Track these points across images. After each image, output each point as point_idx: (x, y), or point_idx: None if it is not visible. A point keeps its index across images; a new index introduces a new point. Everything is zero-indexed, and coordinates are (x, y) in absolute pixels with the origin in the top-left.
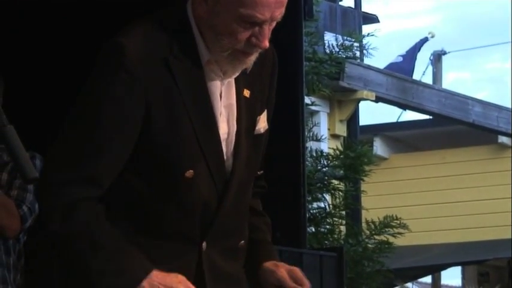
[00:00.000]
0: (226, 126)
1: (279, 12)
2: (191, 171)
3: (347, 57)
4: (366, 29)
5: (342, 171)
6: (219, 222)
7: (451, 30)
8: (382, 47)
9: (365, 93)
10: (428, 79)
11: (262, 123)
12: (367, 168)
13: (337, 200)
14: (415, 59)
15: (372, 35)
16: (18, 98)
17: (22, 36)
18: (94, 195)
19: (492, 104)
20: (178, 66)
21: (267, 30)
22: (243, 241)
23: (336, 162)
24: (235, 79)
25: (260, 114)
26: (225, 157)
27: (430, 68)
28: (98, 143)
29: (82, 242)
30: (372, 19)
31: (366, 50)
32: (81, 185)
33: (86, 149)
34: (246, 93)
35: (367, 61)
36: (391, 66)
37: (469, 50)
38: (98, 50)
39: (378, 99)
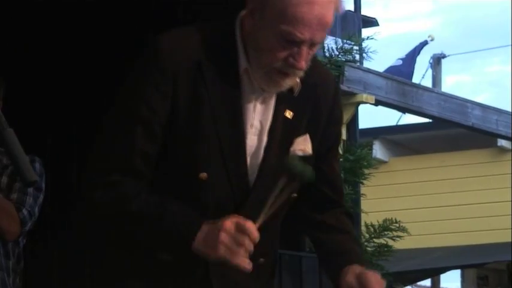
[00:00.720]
0: (256, 139)
1: (320, 36)
2: (205, 173)
3: (346, 61)
4: (365, 32)
5: (341, 175)
6: None
7: (450, 33)
8: (381, 50)
9: (364, 96)
10: (427, 82)
11: (300, 146)
12: (366, 171)
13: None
14: (415, 62)
15: (371, 39)
16: (19, 101)
17: (22, 38)
18: (133, 178)
19: (492, 107)
20: (211, 70)
21: (306, 51)
22: (262, 259)
23: None
24: (278, 98)
25: (299, 136)
26: (248, 169)
27: (430, 71)
28: (126, 139)
29: (128, 214)
30: (371, 22)
31: (365, 53)
32: (115, 175)
33: (116, 143)
34: (289, 114)
35: (366, 64)
36: (391, 70)
37: (468, 53)
38: (98, 51)
39: (377, 103)
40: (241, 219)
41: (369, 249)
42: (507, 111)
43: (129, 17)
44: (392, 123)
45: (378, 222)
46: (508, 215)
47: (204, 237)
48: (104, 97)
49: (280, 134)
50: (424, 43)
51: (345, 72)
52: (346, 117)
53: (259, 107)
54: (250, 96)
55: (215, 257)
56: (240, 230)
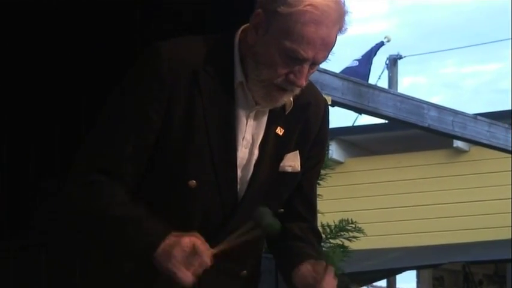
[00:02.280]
0: (247, 152)
1: (322, 56)
2: (194, 181)
3: None
4: None
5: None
6: (218, 241)
7: (406, 35)
8: (337, 51)
9: None
10: (384, 83)
11: (290, 162)
12: (322, 172)
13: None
14: (371, 63)
15: None
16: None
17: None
18: (115, 182)
19: (448, 108)
20: (207, 81)
21: (307, 70)
22: (245, 271)
23: None
24: (270, 114)
25: (288, 152)
26: (238, 181)
27: (386, 72)
28: (118, 141)
29: (99, 212)
30: None
31: None
32: (102, 173)
33: (107, 144)
34: (280, 131)
35: (323, 65)
36: (347, 71)
37: (424, 54)
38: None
39: (333, 103)
40: (200, 241)
41: (325, 249)
42: (463, 113)
43: (115, 18)
44: (349, 124)
45: (334, 222)
46: (464, 215)
47: (163, 248)
48: (82, 98)
49: (271, 150)
50: (380, 44)
51: None
52: None
53: (251, 121)
54: (244, 109)
55: (164, 269)
56: (195, 251)
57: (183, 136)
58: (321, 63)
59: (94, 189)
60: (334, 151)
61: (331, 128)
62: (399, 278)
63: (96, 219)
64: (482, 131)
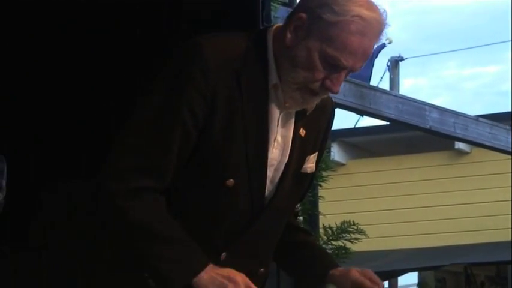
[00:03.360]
0: (278, 154)
1: (360, 65)
2: (232, 180)
3: None
4: None
5: None
6: (244, 240)
7: (408, 36)
8: None
9: None
10: (385, 85)
11: (310, 164)
12: (324, 173)
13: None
14: (373, 65)
15: None
16: None
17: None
18: (158, 187)
19: (449, 110)
20: (247, 81)
21: (343, 77)
22: (263, 269)
23: None
24: (295, 117)
25: (310, 154)
26: (268, 182)
27: (388, 74)
28: (164, 137)
29: (142, 229)
30: None
31: None
32: (147, 174)
33: (153, 140)
34: (302, 132)
35: None
36: None
37: (425, 56)
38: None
39: (335, 105)
40: (250, 282)
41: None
42: (464, 114)
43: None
44: (350, 125)
45: (336, 224)
46: (466, 217)
47: (210, 279)
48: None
49: (297, 151)
50: (382, 46)
51: None
52: None
53: (281, 122)
54: (276, 111)
55: None
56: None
57: (225, 136)
58: (356, 71)
59: (139, 197)
60: (335, 153)
61: (333, 130)
62: (401, 279)
63: (137, 230)
64: (483, 133)
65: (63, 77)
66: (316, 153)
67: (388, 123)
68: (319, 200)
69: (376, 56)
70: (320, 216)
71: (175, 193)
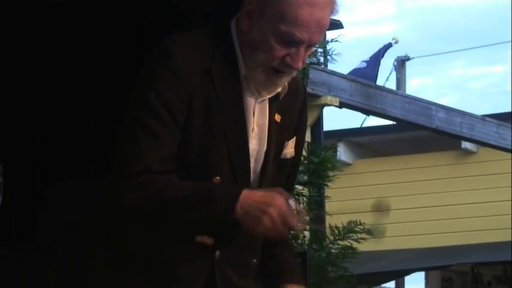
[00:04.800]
0: (257, 143)
1: (318, 38)
2: (218, 178)
3: (311, 63)
4: (329, 34)
5: (305, 177)
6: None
7: (414, 36)
8: (346, 52)
9: (329, 98)
10: (391, 85)
11: (289, 149)
12: (331, 173)
13: (301, 206)
14: (379, 64)
15: (335, 41)
16: None
17: None
18: (164, 169)
19: (456, 109)
20: (219, 76)
21: (303, 52)
22: (255, 260)
23: (300, 168)
24: (269, 103)
25: (288, 140)
26: (251, 173)
27: (394, 73)
28: (152, 139)
29: (176, 201)
30: (336, 25)
31: (329, 55)
32: (149, 172)
33: (143, 143)
34: (277, 118)
35: (331, 67)
36: (355, 72)
37: (432, 55)
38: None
39: (341, 105)
40: (288, 201)
41: (333, 251)
42: (471, 114)
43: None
44: (357, 125)
45: (343, 224)
46: (473, 217)
47: (250, 206)
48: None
49: (274, 138)
50: (388, 46)
51: (309, 74)
52: (311, 119)
53: (257, 112)
54: (250, 101)
55: (258, 229)
56: (291, 211)
57: (204, 133)
58: (316, 44)
59: (149, 188)
60: (342, 153)
61: (339, 130)
62: (407, 279)
63: (165, 210)
64: (490, 132)
65: (68, 77)
66: (295, 138)
67: (395, 122)
68: (326, 200)
69: (383, 56)
70: (326, 216)
71: None
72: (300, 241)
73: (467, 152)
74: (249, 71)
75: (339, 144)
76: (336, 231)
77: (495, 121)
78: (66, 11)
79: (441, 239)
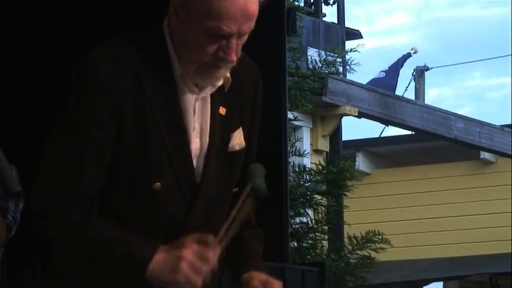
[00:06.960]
0: (199, 141)
1: (248, 27)
2: (158, 184)
3: (330, 73)
4: (348, 44)
5: (324, 186)
6: (186, 232)
7: (433, 46)
8: (364, 62)
9: (348, 108)
10: (410, 95)
11: (237, 141)
12: (349, 183)
13: (320, 215)
14: (398, 74)
15: (354, 51)
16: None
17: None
18: (85, 200)
19: (474, 119)
20: (150, 80)
21: (235, 44)
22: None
23: (319, 177)
24: (211, 96)
25: (234, 131)
26: (196, 171)
27: (413, 83)
28: (80, 153)
29: (78, 238)
30: (355, 35)
31: (348, 65)
32: (72, 193)
33: (70, 159)
34: (222, 110)
35: (350, 76)
36: (374, 82)
37: (450, 66)
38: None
39: (360, 115)
40: (202, 245)
41: (352, 261)
42: (490, 124)
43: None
44: (375, 135)
45: (361, 234)
46: (491, 227)
47: (162, 264)
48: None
49: (218, 132)
50: (407, 56)
51: (328, 84)
52: (329, 129)
53: (197, 109)
54: (189, 100)
55: (172, 285)
56: (202, 258)
57: (139, 140)
58: (247, 33)
59: (70, 218)
60: (360, 162)
61: (358, 140)
62: None
63: (82, 249)
64: (509, 143)
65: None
66: (241, 128)
67: (413, 132)
68: (344, 210)
69: (402, 66)
70: (345, 226)
71: (109, 202)
72: (318, 251)
73: (486, 162)
74: (184, 68)
75: (357, 154)
76: (354, 241)
77: None
78: (66, 11)
79: (459, 249)
